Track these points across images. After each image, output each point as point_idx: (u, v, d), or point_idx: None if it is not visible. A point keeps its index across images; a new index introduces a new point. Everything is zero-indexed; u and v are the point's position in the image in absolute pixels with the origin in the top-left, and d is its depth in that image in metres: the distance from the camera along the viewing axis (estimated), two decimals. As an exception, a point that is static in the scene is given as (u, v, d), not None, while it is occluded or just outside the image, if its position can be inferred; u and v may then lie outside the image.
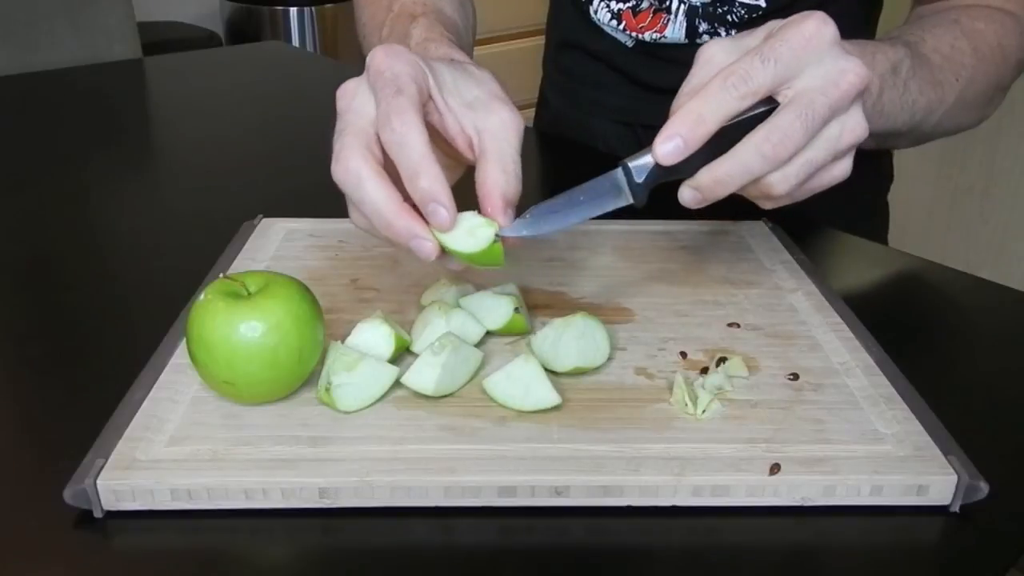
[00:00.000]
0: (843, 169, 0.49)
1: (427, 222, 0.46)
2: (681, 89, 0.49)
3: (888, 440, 0.47)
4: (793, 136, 0.45)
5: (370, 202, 0.45)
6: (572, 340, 0.51)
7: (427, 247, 0.46)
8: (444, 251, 0.47)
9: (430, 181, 0.44)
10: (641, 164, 0.48)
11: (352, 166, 0.45)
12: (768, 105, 0.47)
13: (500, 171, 0.47)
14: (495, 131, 0.48)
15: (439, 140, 0.49)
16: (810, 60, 0.46)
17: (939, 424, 0.48)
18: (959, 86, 0.63)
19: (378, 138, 0.46)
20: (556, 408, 0.48)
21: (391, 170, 0.46)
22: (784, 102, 0.46)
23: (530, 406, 0.48)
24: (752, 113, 0.46)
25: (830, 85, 0.46)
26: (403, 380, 0.48)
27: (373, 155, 0.46)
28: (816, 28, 0.46)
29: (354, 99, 0.47)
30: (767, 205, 0.51)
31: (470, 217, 0.47)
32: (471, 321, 0.54)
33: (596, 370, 0.52)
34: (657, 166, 0.47)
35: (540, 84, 1.06)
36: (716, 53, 0.48)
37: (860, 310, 0.59)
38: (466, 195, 0.49)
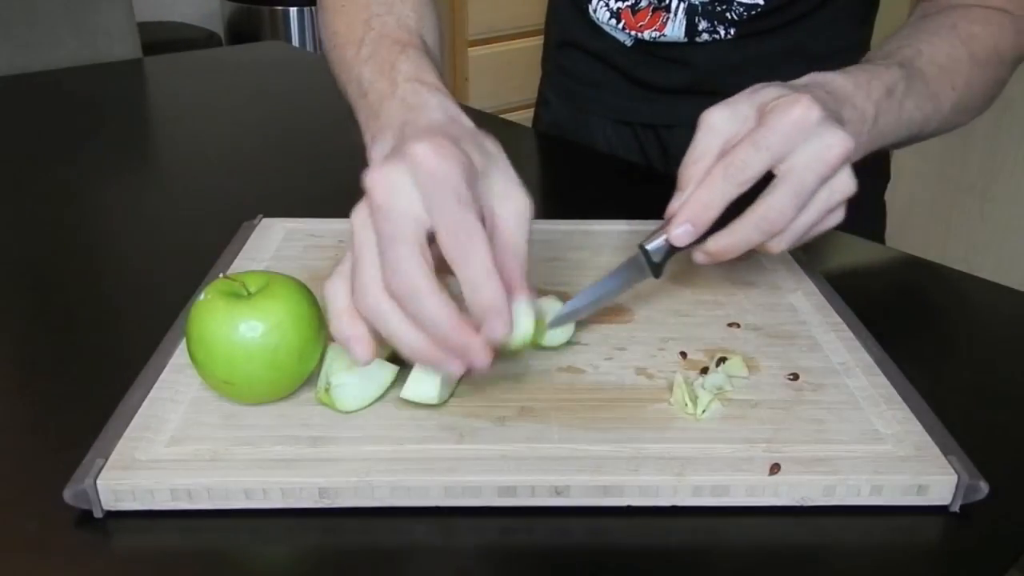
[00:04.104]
0: (837, 218, 0.54)
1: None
2: (686, 157, 0.54)
3: (888, 440, 0.47)
4: (786, 212, 0.51)
5: (429, 318, 0.44)
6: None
7: (482, 360, 0.45)
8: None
9: (492, 295, 0.44)
10: (656, 246, 0.54)
11: (411, 282, 0.43)
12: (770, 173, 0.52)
13: (513, 257, 0.46)
14: (508, 220, 0.47)
15: None
16: (798, 141, 0.50)
17: (939, 424, 0.48)
18: (955, 94, 0.65)
19: (428, 237, 0.44)
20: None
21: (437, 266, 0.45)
22: (778, 175, 0.51)
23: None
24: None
25: (818, 161, 0.50)
26: (404, 395, 0.48)
27: (427, 262, 0.44)
28: (802, 114, 0.50)
29: (395, 195, 0.44)
30: (770, 254, 0.56)
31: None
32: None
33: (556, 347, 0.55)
34: (668, 247, 0.54)
35: (540, 84, 1.06)
36: (716, 122, 0.53)
37: (860, 310, 0.59)
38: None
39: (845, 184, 0.52)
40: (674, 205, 0.53)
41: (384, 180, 0.44)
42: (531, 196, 0.48)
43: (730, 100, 0.53)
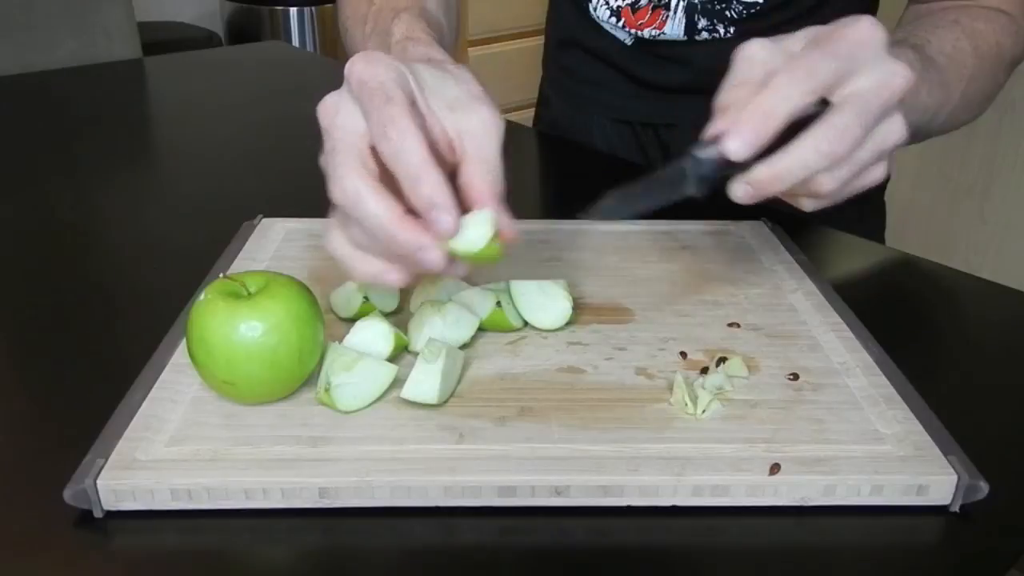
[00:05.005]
0: (882, 171, 0.50)
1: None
2: (725, 85, 0.49)
3: (888, 440, 0.47)
4: (851, 134, 0.46)
5: (372, 217, 0.44)
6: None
7: (433, 256, 0.44)
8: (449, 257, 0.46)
9: (431, 187, 0.44)
10: (709, 156, 0.47)
11: (349, 184, 0.44)
12: (817, 108, 0.47)
13: (485, 171, 0.47)
14: (475, 132, 0.47)
15: None
16: (865, 60, 0.47)
17: (939, 424, 0.48)
18: (962, 86, 0.64)
19: (371, 151, 0.45)
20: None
21: (387, 182, 0.45)
22: (838, 101, 0.47)
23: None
24: (803, 115, 0.47)
25: (882, 87, 0.47)
26: (404, 394, 0.48)
27: (369, 170, 0.45)
28: (870, 30, 0.47)
29: (338, 115, 0.46)
30: (808, 206, 0.51)
31: (471, 219, 0.46)
32: (465, 312, 0.54)
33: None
34: (720, 160, 0.47)
35: (540, 83, 1.06)
36: (757, 52, 0.49)
37: (860, 310, 0.59)
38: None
39: (899, 127, 0.49)
40: (719, 125, 0.47)
41: (325, 104, 0.47)
42: (500, 113, 0.48)
43: (770, 38, 0.50)
